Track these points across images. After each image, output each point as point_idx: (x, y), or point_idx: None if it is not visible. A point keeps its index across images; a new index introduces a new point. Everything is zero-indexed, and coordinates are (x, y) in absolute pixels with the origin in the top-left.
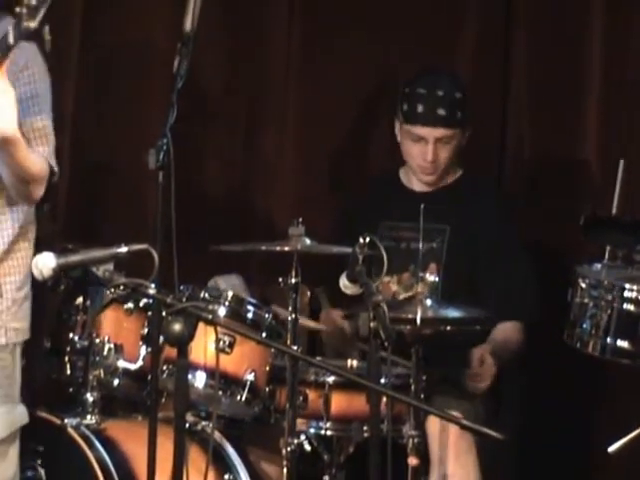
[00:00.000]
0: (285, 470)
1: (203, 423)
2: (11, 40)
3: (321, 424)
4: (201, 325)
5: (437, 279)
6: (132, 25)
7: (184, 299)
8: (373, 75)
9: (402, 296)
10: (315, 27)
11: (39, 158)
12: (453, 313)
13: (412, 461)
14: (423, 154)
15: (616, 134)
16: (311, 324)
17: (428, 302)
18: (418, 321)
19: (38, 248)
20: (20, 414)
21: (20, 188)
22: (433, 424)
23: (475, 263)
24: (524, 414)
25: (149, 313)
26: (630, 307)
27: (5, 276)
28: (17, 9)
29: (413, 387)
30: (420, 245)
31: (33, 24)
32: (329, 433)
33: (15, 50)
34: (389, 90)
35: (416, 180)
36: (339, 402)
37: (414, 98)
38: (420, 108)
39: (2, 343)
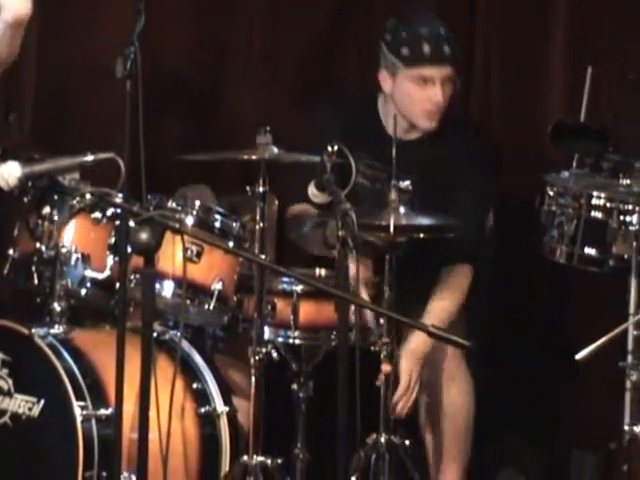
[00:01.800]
0: (253, 379)
1: (171, 332)
2: None
3: (289, 333)
4: (169, 234)
5: (410, 187)
6: None
7: (151, 208)
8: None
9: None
10: None
11: None
12: (426, 220)
13: (385, 368)
14: (431, 97)
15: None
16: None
17: (402, 210)
18: (392, 228)
19: (4, 157)
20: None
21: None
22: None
23: (442, 181)
24: (493, 324)
25: (116, 222)
26: (598, 215)
27: None
28: None
29: (386, 294)
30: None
31: None
32: (297, 342)
33: None
34: (357, 6)
35: (400, 126)
36: (307, 311)
37: (417, 39)
38: (426, 48)
39: None
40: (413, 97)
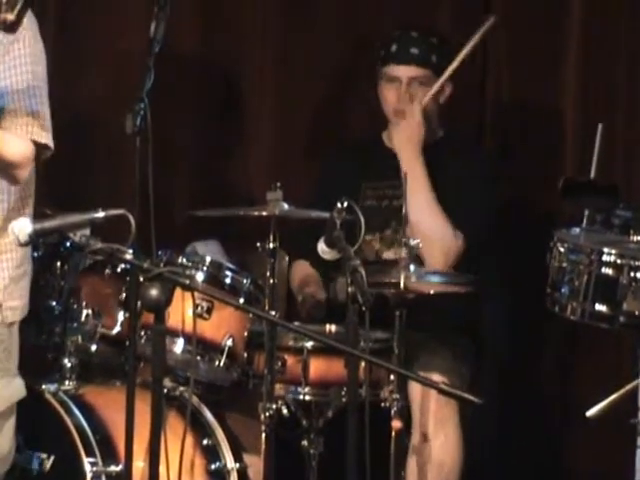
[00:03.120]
0: (264, 435)
1: (181, 388)
2: None
3: (299, 389)
4: (179, 291)
5: (420, 245)
6: None
7: (162, 264)
8: (349, 44)
9: (385, 254)
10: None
11: (22, 143)
12: (435, 279)
13: (396, 424)
14: (398, 95)
15: (595, 88)
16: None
17: (411, 268)
18: (402, 285)
19: None
20: (18, 387)
21: (3, 174)
22: (415, 388)
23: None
24: (504, 377)
25: (127, 278)
26: (608, 271)
27: (1, 254)
28: None
29: (396, 351)
30: (404, 209)
31: (11, 16)
32: (307, 398)
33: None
34: (365, 58)
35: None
36: (317, 367)
37: (389, 40)
38: (394, 47)
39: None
40: (385, 96)
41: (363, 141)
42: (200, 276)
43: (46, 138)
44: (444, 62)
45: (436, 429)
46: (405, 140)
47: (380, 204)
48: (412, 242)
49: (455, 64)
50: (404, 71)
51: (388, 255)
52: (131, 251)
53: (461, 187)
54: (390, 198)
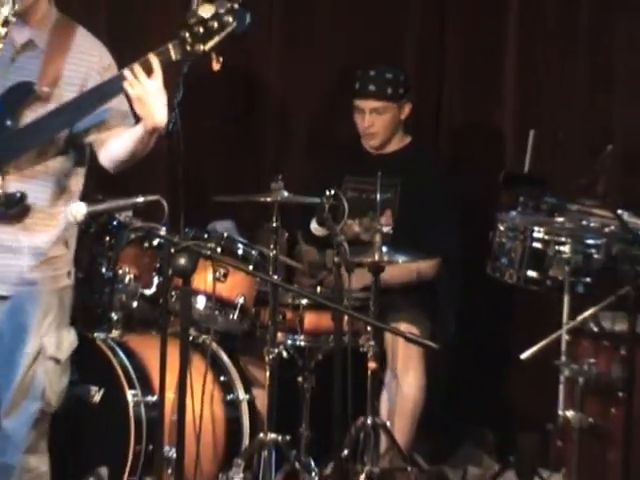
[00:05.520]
0: (268, 373)
1: (203, 337)
2: (174, 57)
3: (296, 337)
4: (201, 260)
5: (391, 231)
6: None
7: (188, 239)
8: (339, 67)
9: (363, 236)
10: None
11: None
12: (402, 258)
13: (371, 365)
14: (362, 122)
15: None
16: (288, 261)
17: (384, 249)
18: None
19: None
20: (75, 336)
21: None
22: (389, 336)
23: (419, 211)
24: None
25: (161, 250)
26: (538, 245)
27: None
28: (182, 32)
29: (372, 307)
30: (377, 197)
31: (203, 47)
32: (302, 344)
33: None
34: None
35: (373, 145)
36: (310, 319)
37: (354, 78)
38: (357, 85)
39: (70, 283)
40: (356, 121)
41: (347, 144)
42: (218, 248)
43: None
44: (399, 92)
45: (404, 369)
46: None
47: (360, 195)
48: (385, 229)
49: None
50: (365, 104)
51: (365, 237)
52: (164, 228)
53: (428, 215)
54: (368, 192)
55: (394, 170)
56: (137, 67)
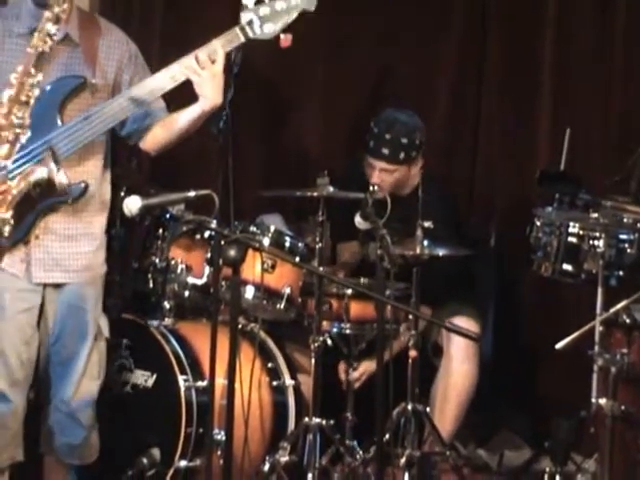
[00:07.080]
0: (313, 360)
1: (252, 325)
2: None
3: (341, 325)
4: (251, 251)
5: (432, 226)
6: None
7: (238, 232)
8: (376, 72)
9: (343, 259)
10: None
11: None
12: (442, 250)
13: (412, 353)
14: (372, 176)
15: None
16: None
17: (425, 242)
18: (418, 250)
19: (128, 193)
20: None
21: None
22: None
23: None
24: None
25: (211, 242)
26: (573, 240)
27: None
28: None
29: (413, 298)
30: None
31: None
32: (347, 332)
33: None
34: (388, 82)
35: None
36: (355, 309)
37: (370, 134)
38: (371, 144)
39: (104, 272)
40: (366, 170)
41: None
42: (266, 241)
43: None
44: (412, 154)
45: (462, 358)
46: None
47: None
48: (425, 224)
49: None
50: (376, 164)
51: (351, 261)
52: (215, 221)
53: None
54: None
55: (407, 211)
56: (203, 53)
